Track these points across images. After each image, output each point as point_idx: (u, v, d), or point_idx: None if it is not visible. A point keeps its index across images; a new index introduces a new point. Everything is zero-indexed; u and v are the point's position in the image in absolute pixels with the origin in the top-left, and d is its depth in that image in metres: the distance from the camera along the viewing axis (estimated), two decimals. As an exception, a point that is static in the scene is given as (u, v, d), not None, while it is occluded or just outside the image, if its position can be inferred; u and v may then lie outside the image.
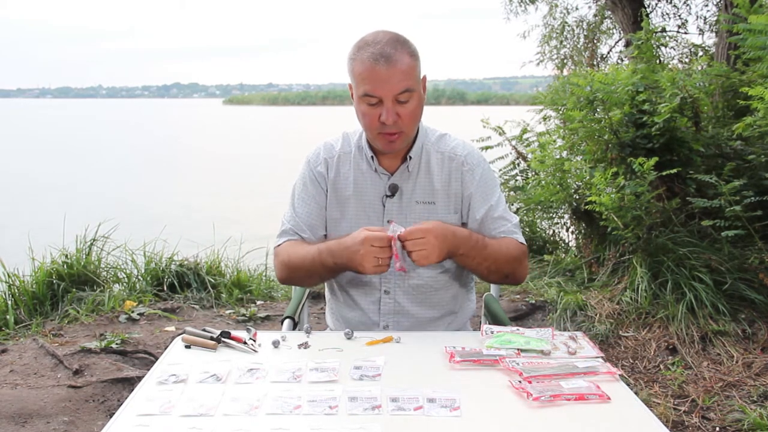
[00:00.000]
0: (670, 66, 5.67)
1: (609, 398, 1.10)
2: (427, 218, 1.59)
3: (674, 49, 7.95)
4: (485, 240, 1.53)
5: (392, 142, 1.52)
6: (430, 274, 1.61)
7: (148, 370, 1.25)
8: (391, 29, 1.55)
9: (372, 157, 1.60)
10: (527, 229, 4.79)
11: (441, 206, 1.61)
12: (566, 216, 4.45)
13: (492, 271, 1.57)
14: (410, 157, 1.60)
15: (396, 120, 1.47)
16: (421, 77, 1.52)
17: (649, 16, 4.67)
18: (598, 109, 3.71)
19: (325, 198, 1.64)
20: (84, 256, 3.90)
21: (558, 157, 3.97)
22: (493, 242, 1.54)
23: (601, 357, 1.27)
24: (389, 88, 1.44)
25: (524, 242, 1.61)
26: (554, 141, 4.24)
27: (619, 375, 1.20)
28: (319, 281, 1.66)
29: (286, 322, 1.69)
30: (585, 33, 8.86)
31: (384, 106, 1.46)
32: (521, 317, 3.47)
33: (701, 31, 7.95)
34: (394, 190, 1.59)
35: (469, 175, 1.61)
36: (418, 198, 1.60)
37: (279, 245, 1.64)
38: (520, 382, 1.13)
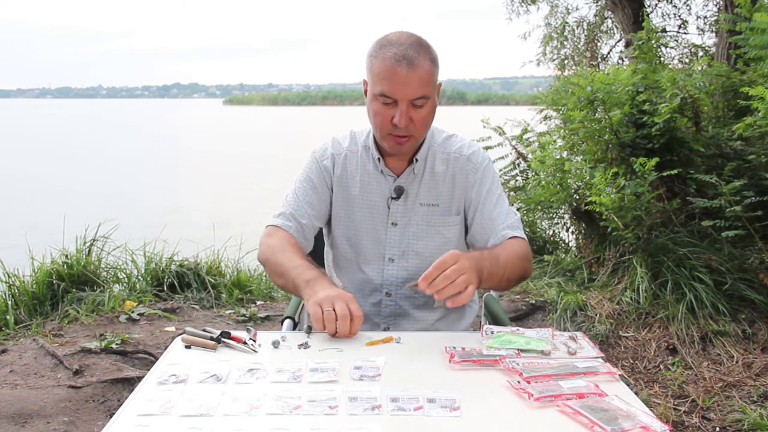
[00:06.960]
0: (670, 66, 5.67)
1: (609, 398, 1.09)
2: (429, 220, 1.59)
3: (674, 49, 7.97)
4: (493, 251, 1.48)
5: (400, 144, 1.51)
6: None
7: (148, 370, 1.24)
8: (413, 31, 1.54)
9: (378, 158, 1.60)
10: (527, 229, 4.80)
11: (443, 208, 1.60)
12: (566, 216, 4.45)
13: (509, 278, 1.53)
14: (416, 160, 1.59)
15: (408, 124, 1.47)
16: (437, 84, 1.52)
17: (649, 16, 4.67)
18: (598, 109, 3.71)
19: (328, 192, 1.64)
20: (84, 257, 3.90)
21: (558, 157, 3.97)
22: (502, 250, 1.50)
23: (601, 357, 1.27)
24: (406, 92, 1.43)
25: (525, 237, 1.59)
26: (554, 141, 4.23)
27: (619, 375, 1.19)
28: (287, 291, 1.60)
29: (286, 322, 1.68)
30: (585, 33, 8.87)
31: (398, 108, 1.45)
32: (521, 317, 3.47)
33: (701, 31, 7.97)
34: (399, 192, 1.59)
35: (473, 173, 1.61)
36: (422, 200, 1.60)
37: (274, 225, 1.57)
38: (519, 382, 1.13)
